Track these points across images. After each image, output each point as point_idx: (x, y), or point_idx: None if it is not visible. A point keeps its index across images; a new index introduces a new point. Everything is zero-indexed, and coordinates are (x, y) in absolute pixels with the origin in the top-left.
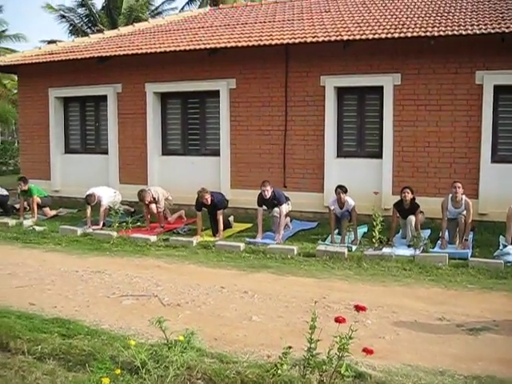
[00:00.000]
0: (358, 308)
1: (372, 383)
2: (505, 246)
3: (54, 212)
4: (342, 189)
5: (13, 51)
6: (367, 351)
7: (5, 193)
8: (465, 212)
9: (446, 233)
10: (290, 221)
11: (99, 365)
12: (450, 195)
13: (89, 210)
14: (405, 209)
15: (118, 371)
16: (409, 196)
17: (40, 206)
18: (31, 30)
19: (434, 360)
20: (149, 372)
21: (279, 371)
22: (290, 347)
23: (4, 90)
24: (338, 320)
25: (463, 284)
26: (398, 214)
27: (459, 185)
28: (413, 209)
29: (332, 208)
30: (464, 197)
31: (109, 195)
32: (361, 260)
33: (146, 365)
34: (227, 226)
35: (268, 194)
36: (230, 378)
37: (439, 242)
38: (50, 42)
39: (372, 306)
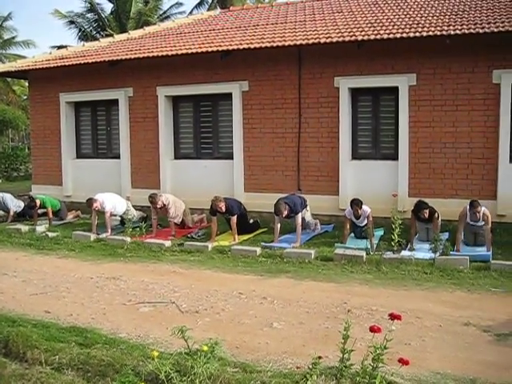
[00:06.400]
0: (393, 316)
1: None
2: None
3: (71, 216)
4: (357, 205)
5: (22, 57)
6: (403, 362)
7: (21, 205)
8: (482, 223)
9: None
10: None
11: (121, 378)
12: (469, 213)
13: (94, 217)
14: (423, 219)
15: None
16: (427, 213)
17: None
18: (40, 36)
19: (463, 367)
20: None
21: (309, 382)
22: (320, 357)
23: (14, 96)
24: (373, 329)
25: (486, 287)
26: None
27: (479, 209)
28: (431, 217)
29: (348, 217)
30: (483, 209)
31: (112, 202)
32: (380, 264)
33: (171, 378)
34: (255, 228)
35: (285, 214)
36: None
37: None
38: (59, 48)
39: (395, 311)
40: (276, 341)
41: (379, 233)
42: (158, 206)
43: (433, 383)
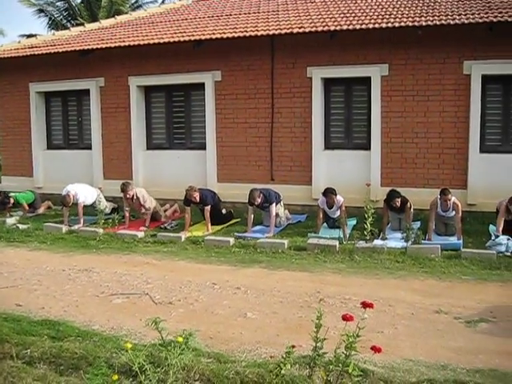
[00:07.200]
0: (365, 305)
1: (375, 380)
2: (497, 237)
3: (42, 208)
4: (332, 193)
5: None
6: (375, 349)
7: None
8: (453, 213)
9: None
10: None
11: (94, 370)
12: (440, 201)
13: (65, 210)
14: (395, 208)
15: (116, 377)
16: (399, 202)
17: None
18: (8, 25)
19: (435, 354)
20: (148, 377)
21: (282, 371)
22: (293, 346)
23: None
24: (346, 318)
25: (457, 275)
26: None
27: (449, 197)
28: (403, 207)
29: (321, 207)
30: (453, 199)
31: (84, 192)
32: (352, 253)
33: (145, 369)
34: (228, 218)
35: (258, 202)
36: (229, 379)
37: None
38: (28, 36)
39: (367, 299)
40: (250, 331)
41: (352, 222)
42: (129, 196)
43: (405, 370)
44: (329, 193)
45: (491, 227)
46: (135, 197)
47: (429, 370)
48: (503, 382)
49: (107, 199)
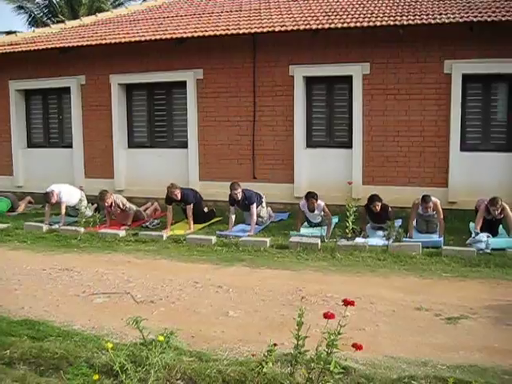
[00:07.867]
0: (347, 303)
1: (357, 377)
2: (477, 234)
3: (23, 205)
4: (314, 197)
5: None
6: (357, 347)
7: None
8: (434, 213)
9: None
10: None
11: (75, 370)
12: (421, 206)
13: (48, 207)
14: (374, 214)
15: (96, 377)
16: (379, 207)
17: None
18: None
19: (416, 351)
20: (129, 376)
21: (264, 369)
22: (275, 344)
23: None
24: (327, 316)
25: (438, 272)
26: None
27: (430, 205)
28: (383, 212)
29: (302, 209)
30: (433, 199)
31: (68, 192)
32: (334, 251)
33: (126, 368)
34: (210, 217)
35: (238, 196)
36: (211, 378)
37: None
38: (8, 33)
39: (349, 297)
40: (232, 329)
41: (334, 220)
42: (107, 204)
43: (386, 367)
44: (310, 197)
45: (471, 225)
46: (113, 204)
47: (410, 367)
48: (483, 378)
49: (88, 198)
